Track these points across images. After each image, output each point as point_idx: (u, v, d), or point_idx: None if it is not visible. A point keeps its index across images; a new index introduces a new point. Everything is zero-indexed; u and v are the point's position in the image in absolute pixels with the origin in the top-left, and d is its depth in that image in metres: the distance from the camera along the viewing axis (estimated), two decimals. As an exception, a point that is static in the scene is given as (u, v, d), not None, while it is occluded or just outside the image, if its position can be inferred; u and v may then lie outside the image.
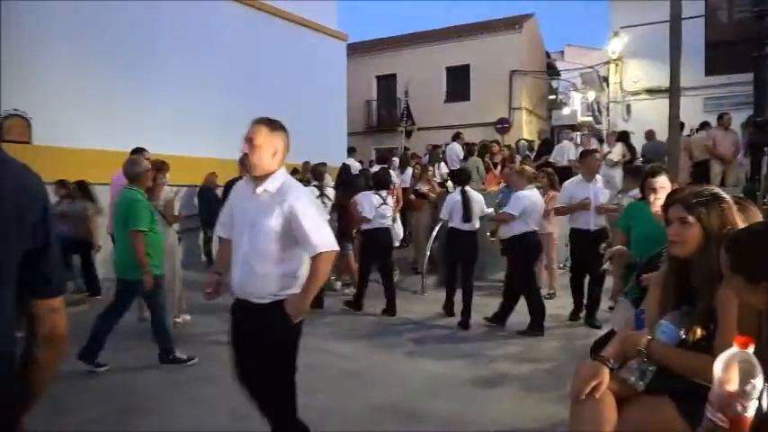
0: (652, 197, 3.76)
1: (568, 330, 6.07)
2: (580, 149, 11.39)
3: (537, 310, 5.95)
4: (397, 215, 8.54)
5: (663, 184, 3.75)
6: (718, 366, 1.36)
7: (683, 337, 1.97)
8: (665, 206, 2.20)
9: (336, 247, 2.61)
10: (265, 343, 2.60)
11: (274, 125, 2.64)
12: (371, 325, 6.45)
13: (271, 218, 2.55)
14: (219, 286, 2.83)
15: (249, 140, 2.58)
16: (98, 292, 7.45)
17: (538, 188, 7.60)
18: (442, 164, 12.00)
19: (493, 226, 7.14)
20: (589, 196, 5.92)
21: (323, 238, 2.56)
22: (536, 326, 5.92)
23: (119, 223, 4.78)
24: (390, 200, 7.26)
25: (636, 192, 5.07)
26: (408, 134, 17.38)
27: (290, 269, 2.60)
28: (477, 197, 6.78)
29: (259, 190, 2.60)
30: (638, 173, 5.12)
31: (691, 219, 2.03)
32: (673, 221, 2.08)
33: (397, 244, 7.95)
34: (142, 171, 4.83)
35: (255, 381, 2.67)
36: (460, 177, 6.98)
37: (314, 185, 7.62)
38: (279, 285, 2.58)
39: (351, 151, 13.76)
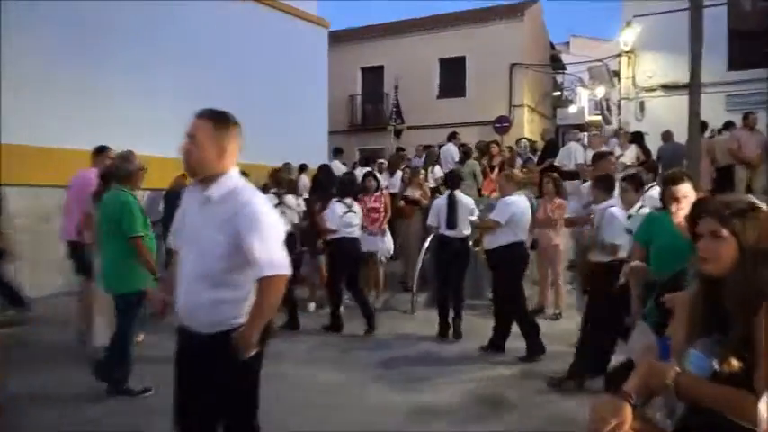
0: (674, 207, 3.73)
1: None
2: (589, 152, 11.46)
3: (531, 332, 5.95)
4: (386, 226, 8.50)
5: (686, 192, 3.74)
6: (763, 407, 1.29)
7: (717, 368, 1.90)
8: (692, 217, 2.15)
9: (287, 270, 2.40)
10: (217, 381, 2.42)
11: (222, 120, 2.47)
12: (352, 348, 6.35)
13: (217, 232, 2.37)
14: (166, 307, 2.68)
15: (190, 137, 2.41)
16: (23, 304, 7.21)
17: (540, 195, 7.64)
18: (437, 167, 11.97)
19: (477, 234, 7.10)
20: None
21: (270, 257, 2.35)
22: (536, 349, 5.89)
23: (108, 230, 4.70)
24: (357, 207, 7.39)
25: (611, 202, 5.11)
26: (398, 133, 17.40)
27: (242, 294, 2.42)
28: (466, 201, 6.87)
29: (204, 198, 2.43)
30: (634, 180, 5.11)
31: (724, 232, 1.97)
32: (703, 236, 2.02)
33: (384, 260, 7.91)
34: (134, 170, 4.82)
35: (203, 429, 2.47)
36: (452, 180, 7.10)
37: (272, 193, 7.49)
38: (229, 313, 2.40)
39: (337, 152, 13.70)
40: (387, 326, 7.10)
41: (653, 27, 15.39)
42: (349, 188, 7.46)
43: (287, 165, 11.28)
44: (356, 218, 7.24)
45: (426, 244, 8.26)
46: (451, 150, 12.24)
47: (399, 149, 13.90)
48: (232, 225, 2.36)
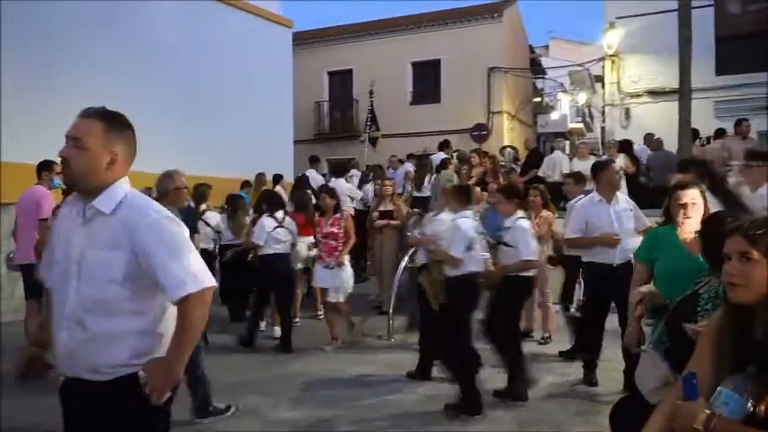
0: (681, 216, 3.63)
1: (565, 383, 5.91)
2: (576, 161, 11.53)
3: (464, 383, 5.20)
4: (345, 258, 7.41)
5: (693, 197, 3.64)
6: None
7: (752, 409, 1.80)
8: (705, 234, 2.05)
9: (212, 282, 2.18)
10: None
11: (115, 121, 2.20)
12: (314, 377, 6.15)
13: (107, 251, 2.10)
14: (36, 363, 2.36)
15: (73, 140, 2.13)
16: None
17: (525, 209, 7.56)
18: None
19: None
20: (613, 224, 5.66)
21: (189, 272, 2.12)
22: (467, 402, 5.08)
23: None
24: (290, 222, 7.54)
25: (466, 213, 5.34)
26: (374, 141, 17.32)
27: (144, 325, 2.15)
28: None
29: (89, 212, 2.15)
30: (509, 192, 5.24)
31: (755, 254, 1.89)
32: (731, 257, 1.93)
33: (342, 298, 7.50)
34: (171, 188, 4.86)
35: None
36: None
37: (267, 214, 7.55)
38: (129, 351, 2.11)
39: (313, 161, 13.60)
40: (360, 355, 6.94)
41: (638, 29, 15.65)
42: (277, 202, 7.73)
43: (260, 176, 11.24)
44: (284, 233, 7.43)
45: (403, 263, 8.12)
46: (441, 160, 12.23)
47: (377, 167, 13.43)
48: (130, 241, 2.10)
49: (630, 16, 15.77)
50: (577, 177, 7.46)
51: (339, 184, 10.71)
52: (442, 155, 12.54)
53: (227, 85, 12.97)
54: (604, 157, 11.26)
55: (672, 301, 3.23)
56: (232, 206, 8.89)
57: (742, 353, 1.91)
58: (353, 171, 12.90)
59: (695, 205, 3.60)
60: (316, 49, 21.98)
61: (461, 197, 5.61)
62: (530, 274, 5.71)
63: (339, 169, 12.02)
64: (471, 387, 5.05)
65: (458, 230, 5.30)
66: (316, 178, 11.76)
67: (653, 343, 3.24)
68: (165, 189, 4.88)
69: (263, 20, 14.51)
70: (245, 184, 11.22)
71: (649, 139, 11.96)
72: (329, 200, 7.59)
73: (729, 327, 1.97)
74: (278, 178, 11.57)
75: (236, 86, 13.19)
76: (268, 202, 7.65)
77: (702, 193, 3.69)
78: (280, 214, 7.50)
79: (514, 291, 5.65)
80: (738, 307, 1.94)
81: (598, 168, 6.02)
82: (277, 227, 7.35)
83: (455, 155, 12.61)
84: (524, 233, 5.52)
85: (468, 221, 5.47)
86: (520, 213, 5.65)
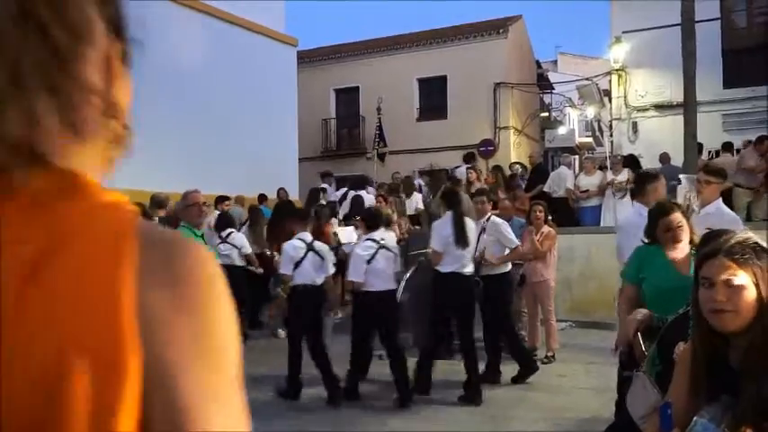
0: (671, 242, 3.62)
1: (569, 400, 5.82)
2: (583, 176, 11.45)
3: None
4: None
5: (680, 222, 3.64)
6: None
7: (729, 439, 1.73)
8: (700, 258, 1.97)
9: None
10: None
11: None
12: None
13: None
14: None
15: None
16: None
17: (529, 224, 7.52)
18: (416, 195, 11.91)
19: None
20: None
21: None
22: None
23: None
24: (238, 236, 8.14)
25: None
26: (382, 157, 17.30)
27: None
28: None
29: None
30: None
31: (742, 278, 1.81)
32: (714, 282, 1.85)
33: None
34: (185, 205, 5.20)
35: None
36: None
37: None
38: None
39: (325, 176, 13.71)
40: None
41: (643, 43, 15.58)
42: (228, 221, 8.50)
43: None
44: (228, 247, 7.99)
45: (403, 281, 8.04)
46: (465, 174, 12.25)
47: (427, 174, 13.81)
48: None
49: (636, 30, 15.70)
50: (489, 195, 7.24)
51: (366, 196, 10.95)
52: (464, 168, 12.62)
53: (232, 104, 13.04)
54: (610, 173, 11.19)
55: (664, 321, 3.17)
56: (252, 218, 9.63)
57: (717, 381, 1.84)
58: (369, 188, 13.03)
59: (681, 227, 3.62)
60: (322, 67, 22.07)
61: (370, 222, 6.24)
62: (507, 269, 6.65)
63: (361, 181, 12.15)
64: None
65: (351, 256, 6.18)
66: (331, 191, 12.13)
67: (646, 365, 3.17)
68: (181, 207, 5.28)
69: (268, 38, 14.61)
70: (263, 198, 11.53)
71: (665, 158, 11.79)
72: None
73: (703, 354, 1.90)
74: (262, 198, 12.08)
75: (242, 105, 13.25)
76: (217, 222, 8.43)
77: (683, 213, 3.68)
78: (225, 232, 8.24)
79: (507, 283, 6.64)
80: (711, 333, 1.87)
81: (645, 180, 5.32)
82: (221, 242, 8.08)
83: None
84: (503, 226, 6.37)
85: (359, 247, 6.12)
86: (490, 214, 6.60)
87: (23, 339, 0.55)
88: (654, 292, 3.57)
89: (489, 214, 6.69)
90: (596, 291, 8.88)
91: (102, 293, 0.57)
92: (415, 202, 11.45)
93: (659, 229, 3.67)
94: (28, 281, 0.56)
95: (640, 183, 5.44)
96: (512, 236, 6.58)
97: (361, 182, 12.34)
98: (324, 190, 12.36)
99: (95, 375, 0.54)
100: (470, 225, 6.09)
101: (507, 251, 6.65)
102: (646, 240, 3.83)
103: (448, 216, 6.16)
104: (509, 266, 6.78)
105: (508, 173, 13.93)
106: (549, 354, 7.34)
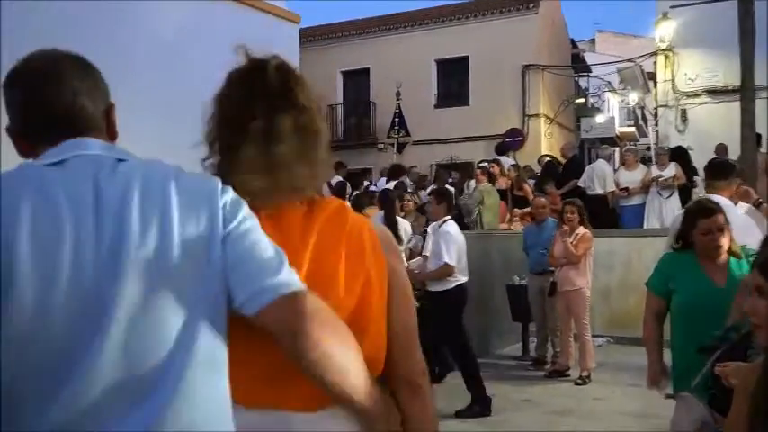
0: (712, 249, 3.53)
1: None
2: (623, 171, 11.38)
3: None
4: None
5: (721, 225, 3.55)
6: None
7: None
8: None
9: None
10: None
11: None
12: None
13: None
14: None
15: None
16: None
17: (561, 225, 7.47)
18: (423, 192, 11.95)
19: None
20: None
21: None
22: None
23: None
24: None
25: None
26: (401, 148, 17.30)
27: None
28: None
29: None
30: (446, 196, 5.45)
31: None
32: (749, 292, 1.84)
33: None
34: None
35: None
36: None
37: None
38: None
39: (339, 167, 13.83)
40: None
41: (695, 20, 15.45)
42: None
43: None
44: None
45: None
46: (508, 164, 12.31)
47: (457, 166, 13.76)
48: None
49: (686, 5, 15.59)
50: (440, 196, 6.93)
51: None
52: (511, 160, 12.66)
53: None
54: (654, 168, 11.10)
55: (720, 341, 3.12)
56: None
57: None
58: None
59: (723, 232, 3.52)
60: (328, 46, 22.09)
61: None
62: (460, 281, 6.37)
63: (398, 170, 12.15)
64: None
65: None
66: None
67: (694, 388, 3.14)
68: None
69: (267, 15, 14.60)
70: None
71: (721, 151, 11.67)
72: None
73: (764, 379, 1.86)
74: None
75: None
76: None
77: (724, 215, 3.60)
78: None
79: (444, 305, 6.28)
80: (773, 353, 1.83)
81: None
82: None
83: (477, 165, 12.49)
84: (448, 237, 6.26)
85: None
86: (447, 217, 6.49)
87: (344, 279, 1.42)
88: (685, 308, 3.55)
89: (445, 219, 6.54)
90: (638, 302, 8.69)
91: (376, 252, 1.48)
92: None
93: (697, 231, 3.60)
94: (333, 250, 1.43)
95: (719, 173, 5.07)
96: (447, 251, 6.27)
97: (399, 171, 12.35)
98: (344, 184, 12.47)
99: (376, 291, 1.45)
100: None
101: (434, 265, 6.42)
102: (675, 246, 3.75)
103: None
104: (449, 284, 6.37)
105: (538, 169, 13.90)
106: (584, 374, 7.30)
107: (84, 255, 1.20)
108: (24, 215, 1.18)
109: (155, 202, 1.27)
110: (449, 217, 6.50)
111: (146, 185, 1.29)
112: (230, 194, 1.34)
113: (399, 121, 17.59)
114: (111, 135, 1.48)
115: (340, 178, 13.11)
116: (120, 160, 1.34)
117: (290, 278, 1.29)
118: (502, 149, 14.60)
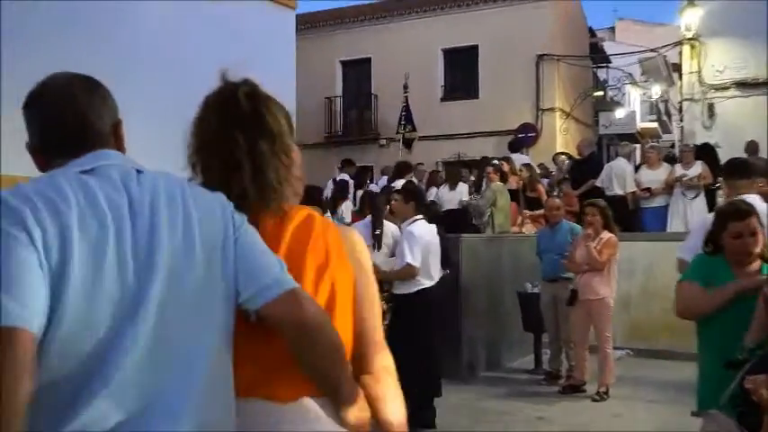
0: (744, 254, 3.53)
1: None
2: (645, 170, 11.36)
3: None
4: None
5: (755, 228, 3.55)
6: None
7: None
8: None
9: None
10: None
11: None
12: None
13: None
14: None
15: None
16: None
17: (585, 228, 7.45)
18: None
19: None
20: None
21: None
22: None
23: None
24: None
25: None
26: (408, 144, 17.29)
27: None
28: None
29: None
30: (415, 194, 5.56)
31: None
32: None
33: None
34: None
35: None
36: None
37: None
38: None
39: (346, 164, 13.89)
40: None
41: (723, 7, 15.43)
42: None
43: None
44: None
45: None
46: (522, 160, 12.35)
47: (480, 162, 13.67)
48: None
49: (714, -10, 15.60)
50: (408, 193, 6.85)
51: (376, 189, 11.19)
52: (525, 158, 12.81)
53: (215, 80, 13.06)
54: (679, 166, 11.09)
55: (746, 353, 3.11)
56: None
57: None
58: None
59: (756, 236, 3.52)
60: (327, 34, 22.14)
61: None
62: (423, 286, 6.26)
63: (404, 168, 12.19)
64: None
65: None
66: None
67: (722, 405, 3.13)
68: None
69: (261, 0, 14.63)
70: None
71: (752, 148, 11.65)
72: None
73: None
74: None
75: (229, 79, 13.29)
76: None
77: (758, 218, 3.59)
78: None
79: (408, 311, 6.13)
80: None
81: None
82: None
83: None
84: (412, 237, 6.23)
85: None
86: (418, 216, 6.41)
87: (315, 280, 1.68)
88: (714, 318, 3.54)
89: (414, 218, 6.47)
90: (660, 312, 8.76)
91: (340, 258, 1.73)
92: (460, 194, 11.53)
93: (727, 234, 3.59)
94: (300, 256, 1.67)
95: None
96: (411, 251, 6.24)
97: (405, 168, 12.37)
98: (345, 182, 12.48)
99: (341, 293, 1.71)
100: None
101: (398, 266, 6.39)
102: (706, 249, 3.74)
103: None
104: (412, 287, 6.32)
105: (553, 168, 13.90)
106: (602, 390, 7.27)
107: (125, 258, 1.39)
108: (76, 217, 1.36)
109: (177, 209, 1.51)
110: (419, 216, 6.44)
111: (168, 193, 1.52)
112: (231, 204, 1.62)
113: (406, 116, 17.55)
114: (119, 149, 1.68)
115: (346, 176, 13.25)
116: (138, 171, 1.56)
117: (288, 276, 1.56)
118: (517, 146, 14.56)
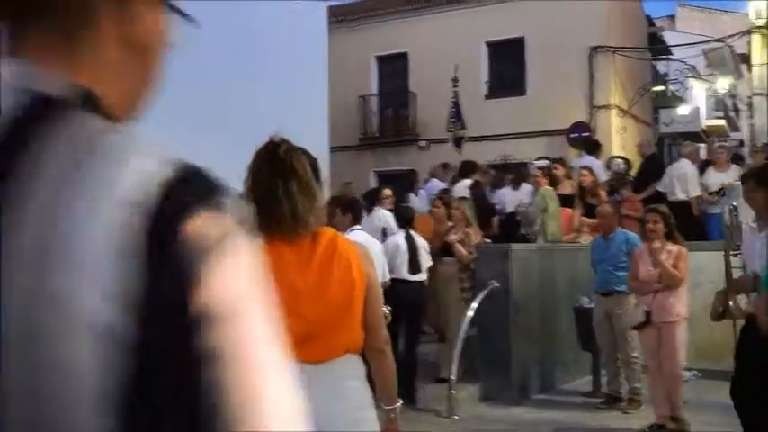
0: None
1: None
2: (712, 172, 11.30)
3: None
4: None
5: None
6: None
7: None
8: None
9: None
10: None
11: None
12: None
13: None
14: None
15: None
16: None
17: (645, 238, 7.44)
18: None
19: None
20: None
21: None
22: None
23: None
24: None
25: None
26: (458, 142, 17.40)
27: None
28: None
29: None
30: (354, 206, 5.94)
31: None
32: None
33: None
34: None
35: None
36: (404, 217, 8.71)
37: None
38: None
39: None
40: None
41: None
42: None
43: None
44: None
45: (471, 311, 8.12)
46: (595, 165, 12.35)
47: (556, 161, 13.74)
48: None
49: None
50: (345, 205, 7.66)
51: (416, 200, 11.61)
52: (595, 160, 12.94)
53: (244, 78, 13.23)
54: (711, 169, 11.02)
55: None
56: None
57: None
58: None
59: None
60: (360, 27, 22.25)
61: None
62: None
63: (469, 167, 12.27)
64: None
65: None
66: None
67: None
68: None
69: (290, -8, 14.81)
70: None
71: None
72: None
73: None
74: None
75: (256, 78, 13.43)
76: None
77: None
78: None
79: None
80: None
81: None
82: None
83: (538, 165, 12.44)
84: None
85: None
86: (356, 227, 7.23)
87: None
88: None
89: (353, 228, 7.23)
90: (729, 328, 8.72)
91: (359, 267, 2.73)
92: (524, 195, 11.72)
93: None
94: (329, 267, 2.68)
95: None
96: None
97: (469, 168, 12.50)
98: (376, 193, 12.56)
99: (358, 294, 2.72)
100: None
101: None
102: None
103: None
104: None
105: (606, 172, 13.85)
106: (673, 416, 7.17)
107: None
108: None
109: None
110: (357, 227, 7.30)
111: None
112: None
113: (456, 112, 17.63)
114: None
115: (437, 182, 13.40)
116: None
117: None
118: (590, 147, 14.44)
